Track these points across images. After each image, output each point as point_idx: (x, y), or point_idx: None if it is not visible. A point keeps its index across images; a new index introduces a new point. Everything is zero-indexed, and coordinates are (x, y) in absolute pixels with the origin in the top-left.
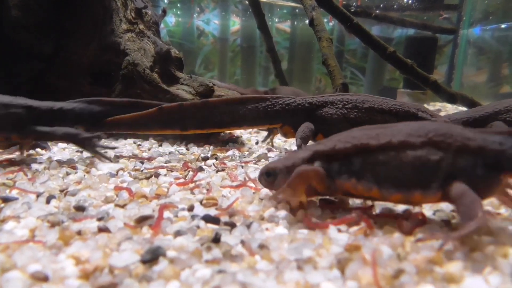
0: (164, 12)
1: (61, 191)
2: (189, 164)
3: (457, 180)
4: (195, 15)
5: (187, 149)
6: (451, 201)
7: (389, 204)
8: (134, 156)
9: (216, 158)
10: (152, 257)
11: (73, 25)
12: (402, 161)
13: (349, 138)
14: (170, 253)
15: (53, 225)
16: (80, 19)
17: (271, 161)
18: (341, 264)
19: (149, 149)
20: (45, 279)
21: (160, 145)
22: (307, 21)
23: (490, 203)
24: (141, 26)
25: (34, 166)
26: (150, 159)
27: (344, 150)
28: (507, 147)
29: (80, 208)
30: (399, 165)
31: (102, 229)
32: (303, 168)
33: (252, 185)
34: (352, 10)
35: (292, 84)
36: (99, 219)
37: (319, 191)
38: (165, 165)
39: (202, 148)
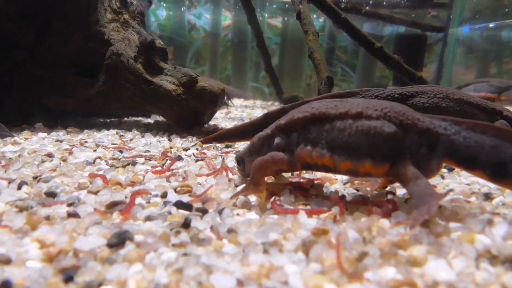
0: (150, 2)
1: (34, 178)
2: (168, 154)
3: (407, 160)
4: (183, 8)
5: (170, 140)
6: (400, 179)
7: (362, 191)
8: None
9: (197, 149)
10: (118, 241)
11: (57, 14)
12: (357, 130)
13: (308, 108)
14: (138, 238)
15: (21, 210)
16: (64, 8)
17: (239, 151)
18: (306, 247)
19: (131, 140)
20: (7, 261)
21: (143, 136)
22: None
23: (461, 192)
24: (126, 16)
25: (9, 154)
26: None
27: (302, 119)
28: (451, 132)
29: (51, 194)
30: (353, 134)
31: (71, 214)
32: (259, 160)
33: (229, 173)
34: (342, 6)
35: (283, 80)
36: (69, 205)
37: (283, 169)
38: (144, 154)
39: (184, 139)
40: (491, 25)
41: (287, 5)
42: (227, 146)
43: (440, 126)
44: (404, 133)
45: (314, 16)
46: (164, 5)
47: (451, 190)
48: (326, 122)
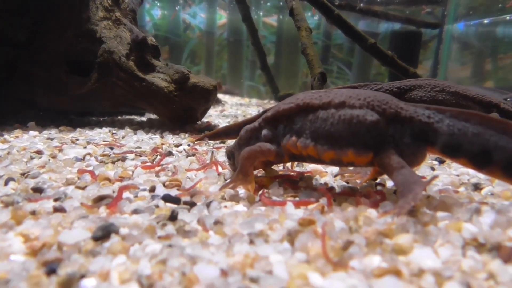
0: None
1: (22, 174)
2: (159, 150)
3: (391, 149)
4: (177, 7)
5: (162, 137)
6: (384, 169)
7: (351, 183)
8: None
9: (188, 144)
10: (103, 234)
11: (49, 12)
12: (340, 119)
13: (293, 99)
14: (123, 230)
15: (6, 205)
16: (56, 6)
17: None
18: (291, 237)
19: (123, 137)
20: None
21: (135, 134)
22: None
23: (450, 183)
24: (118, 14)
25: None
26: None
27: (288, 110)
28: (434, 120)
29: (38, 190)
30: (336, 123)
31: (58, 209)
32: (247, 150)
33: (219, 167)
34: (336, 3)
35: (279, 78)
36: (56, 200)
37: (271, 161)
38: (134, 150)
39: (177, 136)
40: (486, 21)
41: (281, 3)
42: (220, 142)
43: (424, 114)
44: (387, 121)
45: (309, 13)
46: (158, 4)
47: (435, 176)
48: (310, 112)
